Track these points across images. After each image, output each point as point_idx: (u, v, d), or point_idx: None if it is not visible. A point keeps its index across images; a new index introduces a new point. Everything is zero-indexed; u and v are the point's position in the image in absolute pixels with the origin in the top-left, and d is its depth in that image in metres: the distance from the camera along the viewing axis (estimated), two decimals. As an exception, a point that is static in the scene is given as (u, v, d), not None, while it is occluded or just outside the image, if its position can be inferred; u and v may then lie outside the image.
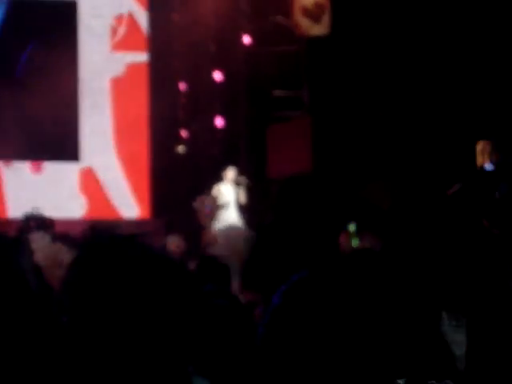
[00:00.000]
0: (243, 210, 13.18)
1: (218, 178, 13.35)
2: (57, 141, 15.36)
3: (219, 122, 15.59)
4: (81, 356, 1.68)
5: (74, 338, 1.71)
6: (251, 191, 13.53)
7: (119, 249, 1.78)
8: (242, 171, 13.76)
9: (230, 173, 13.04)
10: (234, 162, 14.19)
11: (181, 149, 16.22)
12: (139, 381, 1.66)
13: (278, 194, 14.69)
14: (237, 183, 12.91)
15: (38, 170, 15.61)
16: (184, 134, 16.13)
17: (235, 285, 6.36)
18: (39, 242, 5.12)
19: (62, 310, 1.80)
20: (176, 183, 15.59)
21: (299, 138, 13.80)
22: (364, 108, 13.48)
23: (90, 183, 15.78)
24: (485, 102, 12.09)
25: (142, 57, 16.17)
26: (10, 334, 1.98)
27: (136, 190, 15.98)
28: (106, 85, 15.94)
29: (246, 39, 15.09)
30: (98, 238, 2.09)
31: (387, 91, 13.17)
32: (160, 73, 15.65)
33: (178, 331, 1.71)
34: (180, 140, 16.20)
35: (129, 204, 15.79)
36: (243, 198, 12.92)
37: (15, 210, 13.39)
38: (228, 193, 12.95)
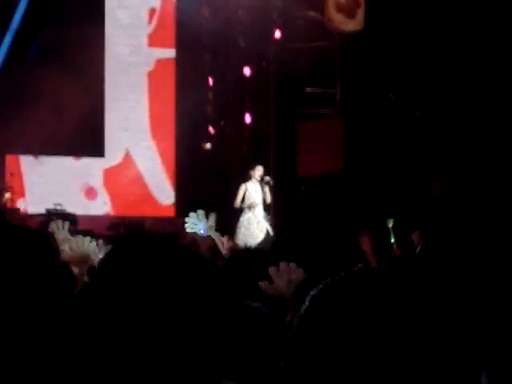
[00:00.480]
0: (269, 208, 12.93)
1: (245, 176, 13.03)
2: (83, 136, 15.13)
3: (248, 118, 15.30)
4: (107, 355, 1.67)
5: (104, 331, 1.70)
6: (280, 190, 13.20)
7: (154, 245, 1.79)
8: (270, 170, 13.45)
9: (258, 171, 12.79)
10: (262, 160, 13.88)
11: (208, 146, 15.95)
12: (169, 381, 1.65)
13: (309, 193, 14.45)
14: (263, 182, 12.68)
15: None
16: (212, 130, 15.86)
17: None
18: (59, 236, 5.14)
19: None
20: (202, 181, 15.32)
21: (330, 136, 13.44)
22: (398, 106, 13.09)
23: (116, 179, 15.55)
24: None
25: (170, 52, 15.92)
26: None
27: (161, 187, 15.74)
28: (133, 79, 15.72)
29: (278, 34, 14.73)
30: (132, 235, 1.93)
31: (423, 89, 12.77)
32: (188, 68, 15.36)
33: (209, 330, 1.71)
34: (207, 137, 15.93)
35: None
36: (269, 198, 12.70)
37: (36, 205, 13.15)
38: (255, 191, 12.72)
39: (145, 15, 15.91)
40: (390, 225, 6.92)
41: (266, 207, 12.87)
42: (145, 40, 15.89)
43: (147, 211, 15.31)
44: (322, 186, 13.08)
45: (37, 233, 1.97)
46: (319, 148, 13.47)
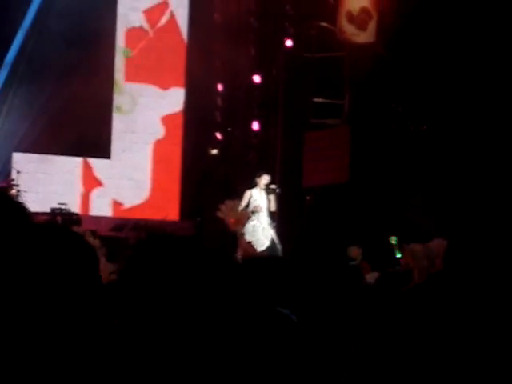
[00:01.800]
0: (273, 216, 12.95)
1: (250, 183, 13.07)
2: (90, 138, 15.16)
3: (255, 126, 15.31)
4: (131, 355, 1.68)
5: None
6: (285, 198, 13.22)
7: (182, 246, 1.80)
8: (276, 178, 13.47)
9: (264, 179, 12.85)
10: (268, 168, 13.89)
11: (214, 151, 15.97)
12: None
13: (314, 203, 14.44)
14: (269, 190, 12.75)
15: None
16: (219, 136, 15.87)
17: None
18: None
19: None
20: (207, 186, 15.34)
21: (337, 146, 13.44)
22: (406, 120, 13.10)
23: (121, 181, 15.57)
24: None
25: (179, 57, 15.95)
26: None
27: (166, 190, 15.74)
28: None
29: (289, 43, 14.75)
30: (156, 237, 1.92)
31: (431, 104, 12.77)
32: (198, 73, 15.38)
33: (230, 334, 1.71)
34: (215, 142, 15.95)
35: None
36: (274, 206, 12.75)
37: (41, 204, 13.16)
38: (260, 198, 12.77)
39: (154, 15, 15.96)
40: (394, 241, 6.93)
41: (271, 215, 12.89)
42: (154, 41, 15.94)
43: (151, 214, 15.32)
44: (328, 197, 13.09)
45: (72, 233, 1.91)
46: (325, 158, 13.47)
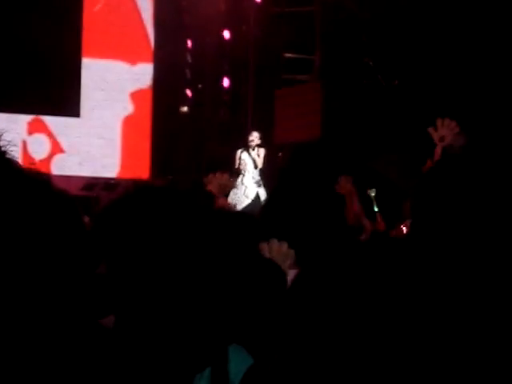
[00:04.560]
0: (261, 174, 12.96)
1: (222, 140, 13.04)
2: (58, 95, 14.96)
3: (226, 82, 15.17)
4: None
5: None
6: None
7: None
8: (247, 135, 13.41)
9: (251, 136, 12.83)
10: (239, 125, 13.79)
11: (185, 109, 15.83)
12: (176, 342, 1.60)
13: (286, 161, 14.42)
14: (258, 146, 12.77)
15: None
16: (189, 93, 15.73)
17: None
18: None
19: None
20: (178, 144, 15.23)
21: (309, 102, 13.36)
22: (378, 74, 13.03)
23: (91, 140, 15.42)
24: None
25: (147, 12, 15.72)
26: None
27: (136, 149, 15.60)
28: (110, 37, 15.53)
29: (258, -2, 14.58)
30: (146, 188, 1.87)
31: (403, 57, 12.70)
32: (167, 30, 15.18)
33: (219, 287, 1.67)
34: (185, 100, 15.80)
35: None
36: (260, 162, 12.76)
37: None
38: (248, 157, 12.79)
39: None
40: (373, 194, 6.89)
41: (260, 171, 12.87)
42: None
43: (121, 173, 15.20)
44: (301, 153, 13.04)
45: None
46: (297, 114, 13.39)
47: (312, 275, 1.42)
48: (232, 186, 5.00)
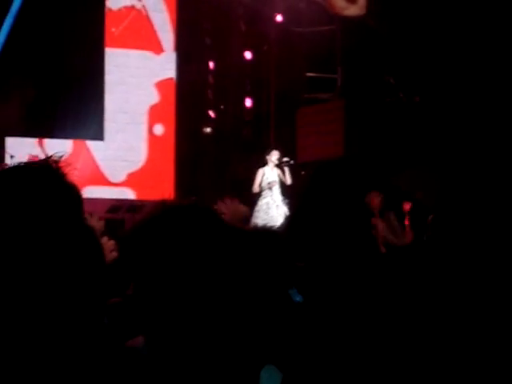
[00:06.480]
0: (287, 192, 12.98)
1: (245, 160, 13.07)
2: (83, 119, 15.06)
3: (248, 102, 15.24)
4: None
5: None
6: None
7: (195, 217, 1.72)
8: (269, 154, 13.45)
9: (275, 155, 12.87)
10: (261, 145, 13.83)
11: (208, 130, 15.91)
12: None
13: (309, 179, 14.41)
14: (282, 164, 12.77)
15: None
16: (212, 114, 15.80)
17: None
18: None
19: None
20: (202, 165, 15.29)
21: (331, 121, 13.39)
22: (399, 92, 13.04)
23: (116, 163, 15.50)
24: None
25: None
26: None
27: (161, 170, 15.67)
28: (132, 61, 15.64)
29: (279, 18, 14.65)
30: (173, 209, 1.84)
31: (424, 75, 12.71)
32: (189, 51, 15.27)
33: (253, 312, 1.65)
34: (208, 120, 15.88)
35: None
36: (289, 179, 12.77)
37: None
38: (272, 175, 12.80)
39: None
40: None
41: (286, 190, 12.87)
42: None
43: (147, 195, 15.27)
44: (324, 171, 13.03)
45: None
46: (319, 132, 13.43)
47: (337, 291, 1.44)
48: (245, 211, 4.94)
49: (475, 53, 12.03)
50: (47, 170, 1.75)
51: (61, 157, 1.79)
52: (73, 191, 1.77)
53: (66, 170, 1.79)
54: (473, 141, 11.54)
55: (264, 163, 12.94)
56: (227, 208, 4.83)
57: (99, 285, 1.62)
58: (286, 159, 12.85)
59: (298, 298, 3.17)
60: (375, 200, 5.93)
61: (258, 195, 12.78)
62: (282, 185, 12.92)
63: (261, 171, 12.88)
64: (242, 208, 5.28)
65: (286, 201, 12.89)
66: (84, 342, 1.56)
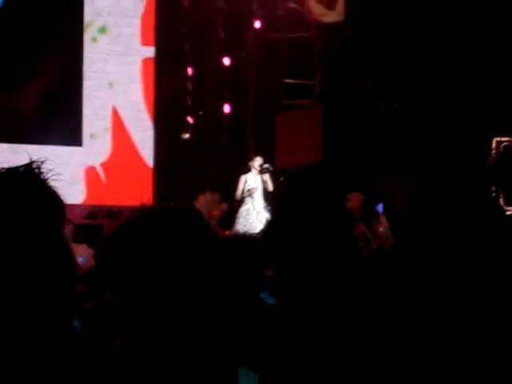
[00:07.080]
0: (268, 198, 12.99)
1: (224, 165, 13.08)
2: (60, 124, 15.00)
3: (227, 108, 15.25)
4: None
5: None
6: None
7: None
8: (248, 160, 13.46)
9: (257, 161, 12.87)
10: (240, 151, 13.84)
11: (187, 135, 15.90)
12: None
13: (288, 184, 14.44)
14: (263, 170, 12.78)
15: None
16: (191, 120, 15.79)
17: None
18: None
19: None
20: (180, 171, 15.27)
21: (310, 127, 13.43)
22: (377, 98, 13.10)
23: (91, 170, 15.46)
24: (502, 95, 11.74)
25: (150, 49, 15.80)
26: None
27: (139, 176, 15.63)
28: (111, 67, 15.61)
29: (257, 24, 14.68)
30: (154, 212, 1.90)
31: (402, 80, 12.78)
32: (167, 58, 15.27)
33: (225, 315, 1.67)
34: (186, 126, 15.87)
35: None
36: (270, 186, 12.78)
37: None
38: (254, 182, 12.80)
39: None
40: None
41: (268, 197, 12.88)
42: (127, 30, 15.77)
43: (124, 201, 15.22)
44: (303, 176, 13.06)
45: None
46: (298, 139, 13.46)
47: (318, 294, 1.46)
48: (222, 209, 4.97)
49: (453, 59, 12.11)
50: (29, 176, 1.77)
51: (42, 162, 1.81)
52: (55, 197, 1.79)
53: (47, 175, 1.80)
54: (448, 147, 11.60)
55: (247, 170, 12.95)
56: (205, 198, 4.87)
57: (67, 290, 1.65)
58: (266, 166, 12.87)
59: (271, 301, 3.19)
60: (356, 202, 5.95)
61: (240, 201, 12.79)
62: (265, 191, 12.93)
63: (243, 178, 12.89)
64: (218, 201, 5.30)
65: (268, 207, 12.90)
66: (49, 345, 1.59)
